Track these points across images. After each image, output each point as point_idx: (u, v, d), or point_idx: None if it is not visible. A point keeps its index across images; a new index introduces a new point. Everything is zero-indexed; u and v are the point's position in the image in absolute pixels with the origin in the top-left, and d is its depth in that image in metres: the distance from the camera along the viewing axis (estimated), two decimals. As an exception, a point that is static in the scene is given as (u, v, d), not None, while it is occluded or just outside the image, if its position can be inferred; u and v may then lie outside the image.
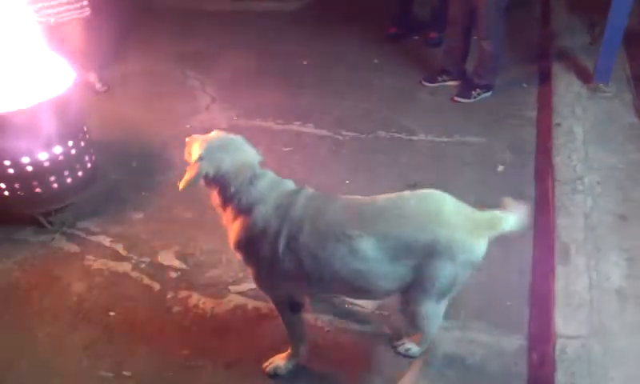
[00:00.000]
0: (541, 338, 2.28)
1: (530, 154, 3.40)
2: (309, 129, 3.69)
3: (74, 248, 2.83)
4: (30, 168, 2.71)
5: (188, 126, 3.76)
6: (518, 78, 4.11)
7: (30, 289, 2.61)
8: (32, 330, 2.42)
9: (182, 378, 2.23)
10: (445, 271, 1.81)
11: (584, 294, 2.32)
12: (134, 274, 2.68)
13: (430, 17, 4.63)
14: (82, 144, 2.92)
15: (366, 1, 5.29)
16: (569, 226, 2.65)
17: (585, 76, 3.80)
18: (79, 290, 2.60)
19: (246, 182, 1.86)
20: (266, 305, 2.49)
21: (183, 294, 2.57)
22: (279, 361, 2.20)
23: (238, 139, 1.94)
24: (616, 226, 2.66)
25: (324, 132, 3.65)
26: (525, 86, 4.06)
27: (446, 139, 3.56)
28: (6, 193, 2.76)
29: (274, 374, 2.19)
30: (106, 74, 4.23)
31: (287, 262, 1.84)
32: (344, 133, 3.65)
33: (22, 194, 2.77)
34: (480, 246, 1.82)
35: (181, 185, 1.85)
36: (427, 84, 4.11)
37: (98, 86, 4.07)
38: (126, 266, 2.72)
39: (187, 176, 1.84)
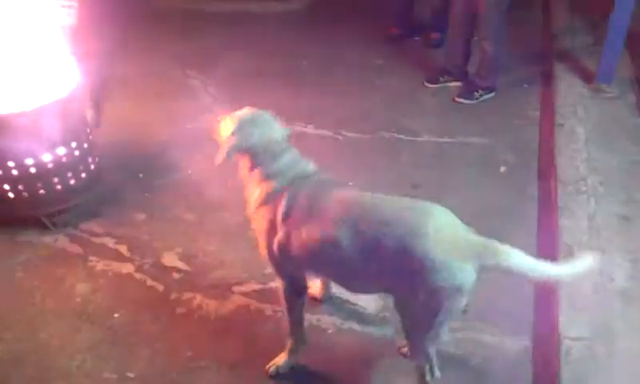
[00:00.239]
0: (545, 340, 2.28)
1: (532, 154, 3.40)
2: (310, 129, 3.69)
3: (77, 249, 2.83)
4: (33, 169, 2.72)
5: (189, 127, 3.76)
6: (520, 79, 4.12)
7: (33, 290, 2.61)
8: (35, 331, 2.42)
9: (186, 379, 2.23)
10: (419, 287, 1.75)
11: (588, 296, 2.32)
12: (138, 276, 2.68)
13: (432, 18, 4.62)
14: (85, 146, 2.92)
15: (367, 1, 5.29)
16: (572, 227, 2.65)
17: (587, 77, 3.80)
18: (83, 292, 2.60)
19: (270, 156, 2.02)
20: (270, 306, 2.50)
21: (187, 295, 2.57)
22: (280, 360, 2.22)
23: (266, 115, 2.09)
24: (619, 227, 2.66)
25: (325, 132, 3.65)
26: (527, 86, 4.06)
27: (448, 140, 3.56)
28: (10, 194, 2.77)
29: (276, 374, 2.20)
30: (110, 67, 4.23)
31: (282, 236, 1.96)
32: (345, 133, 3.65)
33: (26, 195, 2.77)
34: (463, 271, 1.72)
35: (217, 159, 2.01)
36: (429, 85, 4.11)
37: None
38: (129, 268, 2.72)
39: (222, 151, 2.02)
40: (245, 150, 2.03)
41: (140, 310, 2.51)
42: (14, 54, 2.65)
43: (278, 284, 2.19)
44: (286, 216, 1.95)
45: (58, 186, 2.81)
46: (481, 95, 3.89)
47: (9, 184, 2.74)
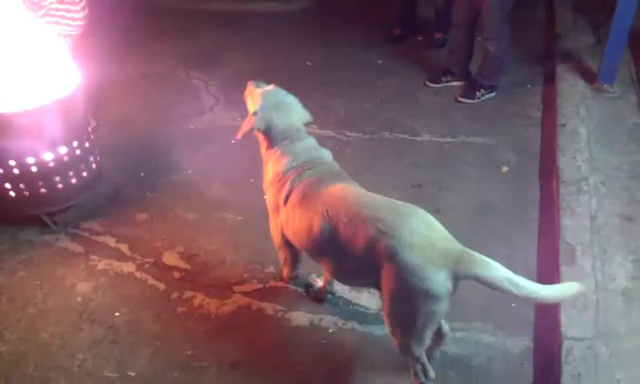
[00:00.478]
0: (547, 340, 2.27)
1: (534, 154, 3.40)
2: (312, 129, 3.64)
3: (78, 248, 2.83)
4: (34, 168, 2.72)
5: (192, 127, 3.77)
6: (522, 79, 4.11)
7: (34, 289, 2.62)
8: (36, 331, 2.43)
9: (187, 378, 2.23)
10: (392, 288, 1.78)
11: (590, 296, 2.31)
12: (139, 275, 2.68)
13: (435, 18, 4.62)
14: (87, 145, 2.92)
15: (369, 2, 5.29)
16: (574, 227, 2.65)
17: (589, 77, 3.79)
18: (84, 291, 2.60)
19: (287, 140, 2.17)
20: (271, 305, 2.50)
21: (188, 294, 2.57)
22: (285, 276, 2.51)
23: (290, 100, 2.25)
24: (621, 227, 2.65)
25: (328, 132, 3.65)
26: (529, 86, 4.06)
27: (450, 140, 3.55)
28: (12, 193, 2.77)
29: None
30: (108, 77, 4.24)
31: (283, 217, 2.14)
32: (348, 133, 3.65)
33: (27, 194, 2.77)
34: (434, 277, 1.71)
35: (238, 135, 2.19)
36: (431, 85, 4.11)
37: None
38: (130, 267, 2.72)
39: (243, 128, 2.19)
40: (263, 130, 2.19)
41: (141, 309, 2.51)
42: (15, 53, 2.65)
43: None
44: (286, 200, 2.11)
45: (60, 185, 2.82)
46: (483, 94, 3.89)
47: (10, 183, 2.74)
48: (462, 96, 3.92)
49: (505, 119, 3.73)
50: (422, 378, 1.99)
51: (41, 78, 2.71)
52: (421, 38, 4.74)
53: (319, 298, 2.49)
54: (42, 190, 2.78)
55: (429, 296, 1.73)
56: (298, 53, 4.55)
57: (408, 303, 1.77)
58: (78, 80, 2.80)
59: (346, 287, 2.54)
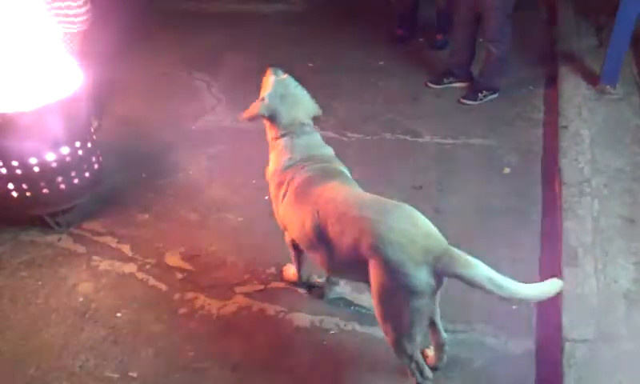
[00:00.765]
0: (548, 342, 2.27)
1: (536, 156, 3.39)
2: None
3: (80, 249, 2.84)
4: (37, 169, 2.72)
5: (193, 128, 3.77)
6: (524, 80, 4.10)
7: (36, 289, 2.62)
8: (38, 331, 2.43)
9: (188, 379, 2.23)
10: (374, 281, 1.82)
11: (592, 298, 2.31)
12: (141, 275, 2.68)
13: (436, 19, 4.62)
14: (89, 145, 2.92)
15: (371, 3, 5.29)
16: (576, 229, 2.64)
17: (592, 78, 3.78)
18: (86, 291, 2.61)
19: (292, 135, 2.20)
20: (272, 306, 2.50)
21: (189, 295, 2.57)
22: (292, 277, 2.54)
23: (299, 92, 2.29)
24: (624, 228, 2.65)
25: (329, 134, 3.64)
26: (531, 88, 4.05)
27: (451, 141, 3.55)
28: (14, 193, 2.77)
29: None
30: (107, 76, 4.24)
31: (282, 209, 2.18)
32: (349, 135, 3.65)
33: (30, 194, 2.77)
34: (413, 272, 1.73)
35: (242, 115, 2.26)
36: (433, 86, 4.10)
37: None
38: (132, 267, 2.72)
39: (248, 111, 2.24)
40: (268, 117, 2.22)
41: (143, 309, 2.52)
42: (18, 53, 2.66)
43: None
44: (283, 195, 2.16)
45: (62, 186, 2.82)
46: (485, 96, 3.89)
47: (13, 183, 2.74)
48: (464, 98, 3.92)
49: (507, 121, 3.72)
50: (419, 377, 2.00)
51: (43, 79, 2.72)
52: (422, 39, 4.73)
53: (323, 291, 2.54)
54: (45, 191, 2.78)
55: (411, 292, 1.76)
56: (300, 54, 4.55)
57: (393, 299, 1.81)
58: (81, 80, 2.80)
59: (348, 289, 2.54)
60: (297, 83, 2.31)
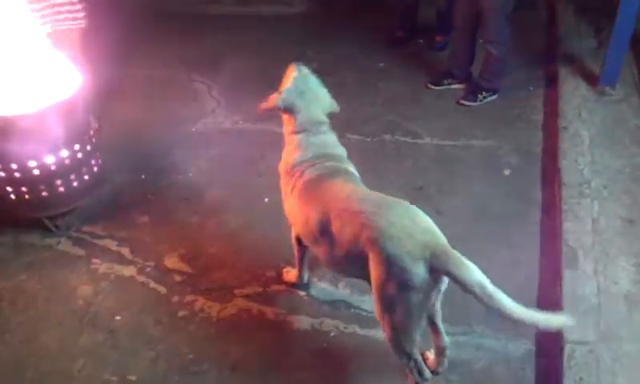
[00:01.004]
0: (548, 343, 2.26)
1: (536, 157, 3.38)
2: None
3: (79, 252, 2.83)
4: (36, 172, 2.71)
5: (193, 130, 3.77)
6: (524, 81, 4.10)
7: (35, 292, 2.62)
8: (37, 334, 2.43)
9: (188, 381, 2.23)
10: (372, 275, 1.84)
11: (592, 299, 2.31)
12: (140, 278, 2.68)
13: (436, 20, 4.62)
14: (89, 148, 2.92)
15: (371, 4, 5.29)
16: (576, 231, 2.64)
17: (591, 79, 3.77)
18: (85, 294, 2.60)
19: (307, 132, 2.22)
20: (271, 309, 2.50)
21: (189, 298, 2.57)
22: (292, 278, 2.55)
23: (317, 89, 2.30)
24: (624, 230, 2.64)
25: (329, 135, 3.64)
26: (531, 89, 4.04)
27: (451, 142, 3.55)
28: (13, 196, 2.77)
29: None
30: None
31: (289, 205, 2.21)
32: (349, 136, 3.64)
33: (29, 197, 2.77)
34: (409, 266, 1.73)
35: (260, 107, 2.27)
36: (433, 87, 4.10)
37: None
38: (131, 270, 2.72)
39: (266, 103, 2.26)
40: (283, 110, 2.25)
41: (142, 312, 2.51)
42: (17, 55, 2.66)
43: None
44: (292, 190, 2.18)
45: (61, 189, 2.81)
46: (484, 97, 3.88)
47: (12, 186, 2.74)
48: (464, 99, 3.91)
49: (506, 122, 3.72)
50: (417, 378, 1.99)
51: (43, 81, 2.72)
52: (421, 41, 4.73)
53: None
54: (44, 194, 2.78)
55: (408, 286, 1.76)
56: (300, 56, 4.54)
57: (389, 293, 1.81)
58: (80, 83, 2.80)
59: (348, 291, 2.54)
60: (318, 80, 2.33)
